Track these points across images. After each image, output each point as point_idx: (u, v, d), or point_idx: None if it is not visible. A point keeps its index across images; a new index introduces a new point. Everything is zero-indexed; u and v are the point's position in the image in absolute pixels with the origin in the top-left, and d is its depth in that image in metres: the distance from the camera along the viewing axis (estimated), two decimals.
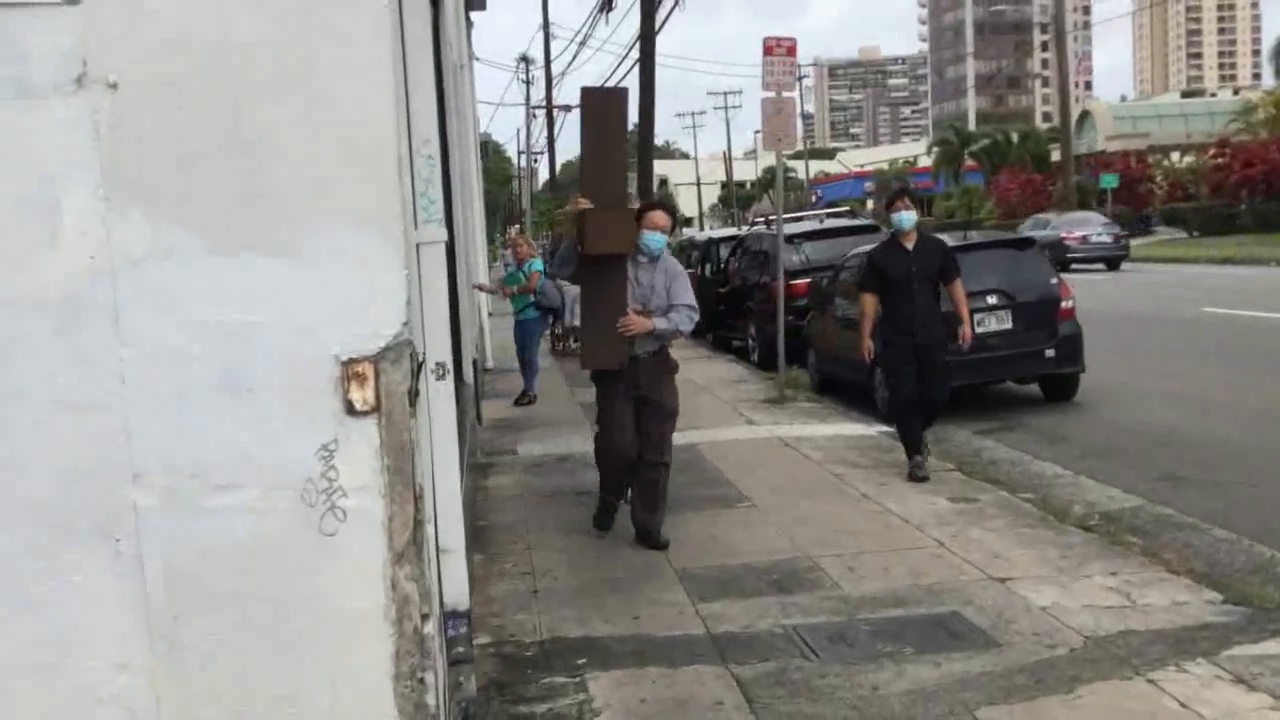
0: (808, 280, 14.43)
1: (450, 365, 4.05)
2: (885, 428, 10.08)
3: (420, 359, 3.56)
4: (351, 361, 3.09)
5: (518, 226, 29.04)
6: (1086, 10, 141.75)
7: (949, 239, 10.49)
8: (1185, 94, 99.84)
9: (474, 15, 17.02)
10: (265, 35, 3.01)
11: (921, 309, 8.10)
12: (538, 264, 13.52)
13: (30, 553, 2.98)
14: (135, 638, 3.06)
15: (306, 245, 3.05)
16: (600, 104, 6.74)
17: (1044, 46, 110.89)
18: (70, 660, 3.03)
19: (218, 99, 3.01)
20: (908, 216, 8.18)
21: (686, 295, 6.74)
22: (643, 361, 6.66)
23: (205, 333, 3.02)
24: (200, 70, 3.00)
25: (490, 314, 18.40)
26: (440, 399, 3.98)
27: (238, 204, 3.02)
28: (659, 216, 6.70)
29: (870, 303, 8.36)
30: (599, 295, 6.62)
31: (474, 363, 11.29)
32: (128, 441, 3.01)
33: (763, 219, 20.01)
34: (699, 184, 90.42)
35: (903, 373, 8.23)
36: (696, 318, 6.83)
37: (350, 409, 3.10)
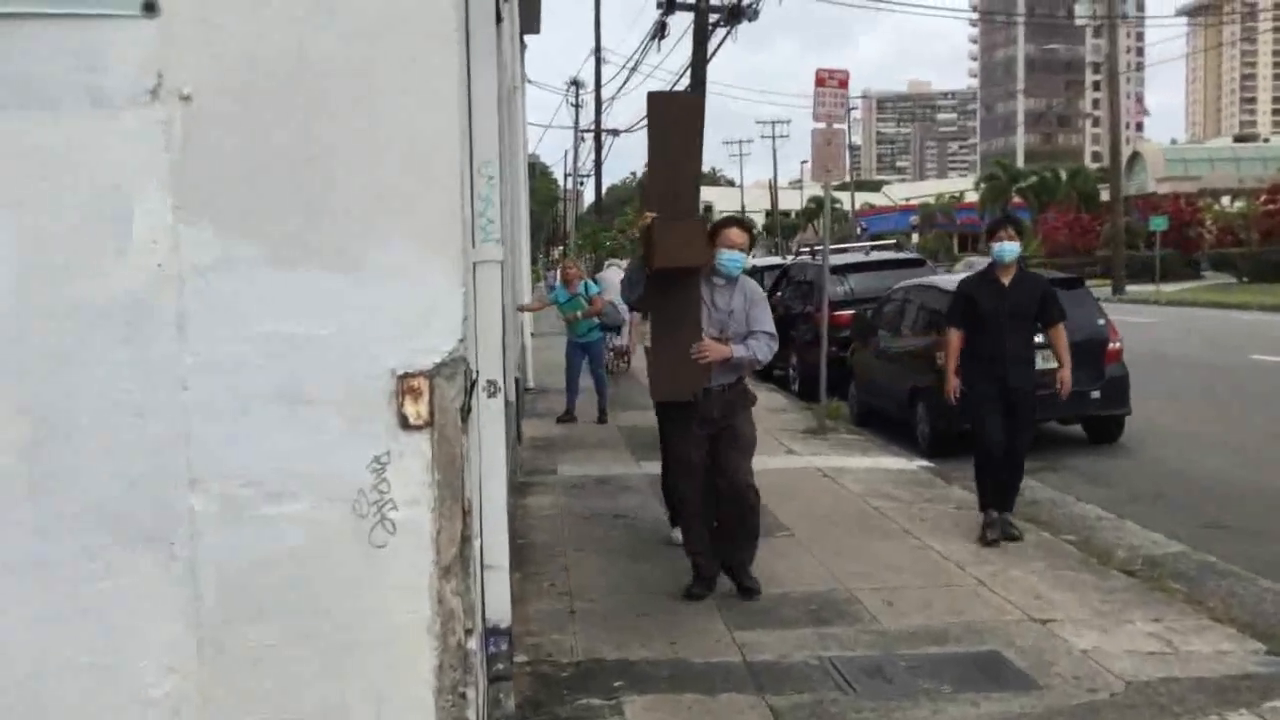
0: (851, 312, 14.41)
1: (501, 383, 4.08)
2: (925, 462, 10.05)
3: (474, 375, 3.59)
4: (407, 376, 3.13)
5: (561, 248, 29.26)
6: (1140, 52, 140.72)
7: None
8: (1238, 138, 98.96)
9: (528, 38, 17.15)
10: (335, 54, 3.07)
11: (1013, 350, 7.36)
12: (594, 287, 13.68)
13: (87, 554, 3.03)
14: (185, 642, 3.09)
15: (368, 260, 3.09)
16: (671, 111, 6.08)
17: (1095, 86, 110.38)
18: (121, 661, 3.07)
19: (287, 114, 3.07)
20: (1010, 248, 7.47)
21: (767, 322, 6.28)
22: (716, 394, 6.10)
23: (266, 343, 3.07)
24: (271, 86, 3.06)
25: (533, 334, 18.46)
26: (490, 416, 4.01)
27: (303, 218, 3.08)
28: (736, 234, 6.21)
29: (956, 338, 7.58)
30: (670, 319, 6.04)
31: (516, 381, 11.34)
32: (186, 448, 3.05)
33: (808, 249, 19.99)
34: (744, 212, 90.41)
35: (989, 421, 7.40)
36: (776, 347, 6.35)
37: (404, 423, 3.13)
